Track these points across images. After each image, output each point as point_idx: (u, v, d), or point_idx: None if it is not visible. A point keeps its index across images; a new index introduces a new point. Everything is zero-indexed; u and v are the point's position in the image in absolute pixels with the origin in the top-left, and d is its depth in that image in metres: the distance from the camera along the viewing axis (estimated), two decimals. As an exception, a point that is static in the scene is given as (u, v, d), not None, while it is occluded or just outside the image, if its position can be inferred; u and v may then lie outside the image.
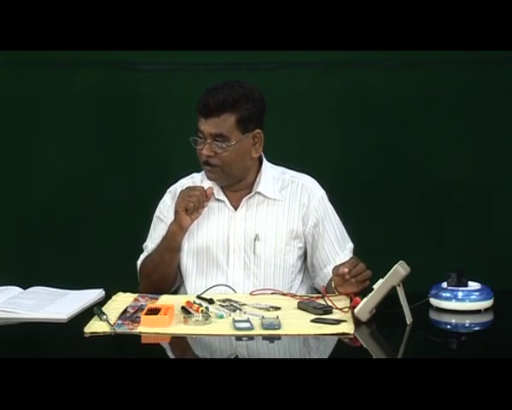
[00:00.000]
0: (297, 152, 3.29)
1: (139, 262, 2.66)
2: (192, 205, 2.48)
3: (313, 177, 2.64)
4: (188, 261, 2.58)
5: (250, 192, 2.56)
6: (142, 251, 2.67)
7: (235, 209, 2.56)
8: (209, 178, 2.54)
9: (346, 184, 3.35)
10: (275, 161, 2.64)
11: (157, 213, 2.66)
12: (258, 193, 2.56)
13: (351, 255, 2.52)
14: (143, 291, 2.47)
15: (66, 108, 3.41)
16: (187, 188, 2.55)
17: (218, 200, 2.57)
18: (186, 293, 2.57)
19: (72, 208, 3.45)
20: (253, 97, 2.49)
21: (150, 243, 2.64)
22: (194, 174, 2.66)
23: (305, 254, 2.61)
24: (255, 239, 2.54)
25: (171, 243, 2.54)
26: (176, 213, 2.51)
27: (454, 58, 3.29)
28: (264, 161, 2.60)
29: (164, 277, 2.56)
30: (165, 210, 2.62)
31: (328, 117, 3.42)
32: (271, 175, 2.59)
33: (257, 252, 2.54)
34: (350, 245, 2.61)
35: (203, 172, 2.60)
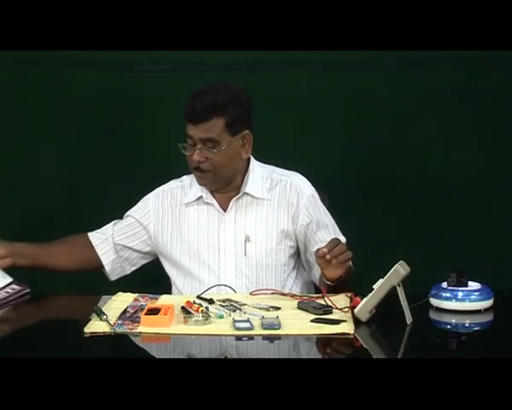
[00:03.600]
0: (297, 152, 3.28)
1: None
2: None
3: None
4: (180, 265, 2.58)
5: (238, 193, 2.55)
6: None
7: (224, 211, 2.56)
8: (200, 184, 2.54)
9: (345, 183, 3.35)
10: (274, 161, 2.64)
11: (135, 207, 2.69)
12: (246, 194, 2.55)
13: None
14: None
15: (66, 108, 3.41)
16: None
17: (207, 203, 2.56)
18: (180, 293, 2.56)
19: (72, 208, 3.45)
20: (239, 99, 2.49)
21: (120, 225, 2.68)
22: (184, 177, 2.66)
23: (297, 252, 2.60)
24: (246, 241, 2.53)
25: None
26: None
27: (454, 58, 3.29)
28: (252, 160, 2.58)
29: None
30: (141, 210, 2.66)
31: (328, 117, 3.42)
32: (260, 175, 2.58)
33: (248, 253, 2.53)
34: (342, 238, 2.55)
35: (192, 175, 2.60)
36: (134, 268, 2.70)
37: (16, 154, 3.45)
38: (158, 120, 3.42)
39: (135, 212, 2.68)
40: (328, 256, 2.24)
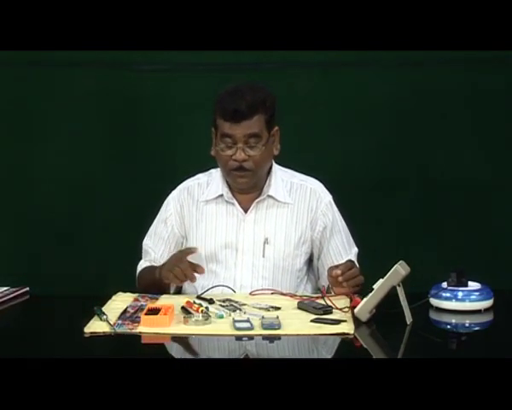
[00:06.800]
0: (297, 152, 3.28)
1: (139, 268, 2.64)
2: (174, 278, 2.36)
3: (313, 176, 2.64)
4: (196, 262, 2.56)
5: (260, 195, 2.54)
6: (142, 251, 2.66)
7: (245, 212, 2.55)
8: (238, 184, 2.51)
9: (345, 184, 3.34)
10: (273, 161, 2.64)
11: (161, 213, 2.64)
12: (269, 196, 2.54)
13: (355, 260, 2.52)
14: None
15: (66, 108, 3.41)
16: (177, 256, 2.41)
17: (228, 202, 2.55)
18: (196, 290, 2.51)
19: (73, 208, 3.45)
20: (272, 97, 2.51)
21: (150, 244, 2.62)
22: (200, 175, 2.64)
23: (310, 257, 2.61)
24: (264, 242, 2.53)
25: (158, 284, 2.45)
26: (161, 273, 2.40)
27: (454, 58, 3.29)
28: (273, 163, 2.58)
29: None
30: (167, 214, 2.60)
31: (328, 117, 3.42)
32: (280, 178, 2.58)
33: (266, 255, 2.53)
34: (355, 250, 2.61)
35: (209, 173, 2.60)
36: None
37: (16, 154, 3.45)
38: (157, 119, 3.43)
39: (164, 215, 2.62)
40: (340, 279, 2.29)
